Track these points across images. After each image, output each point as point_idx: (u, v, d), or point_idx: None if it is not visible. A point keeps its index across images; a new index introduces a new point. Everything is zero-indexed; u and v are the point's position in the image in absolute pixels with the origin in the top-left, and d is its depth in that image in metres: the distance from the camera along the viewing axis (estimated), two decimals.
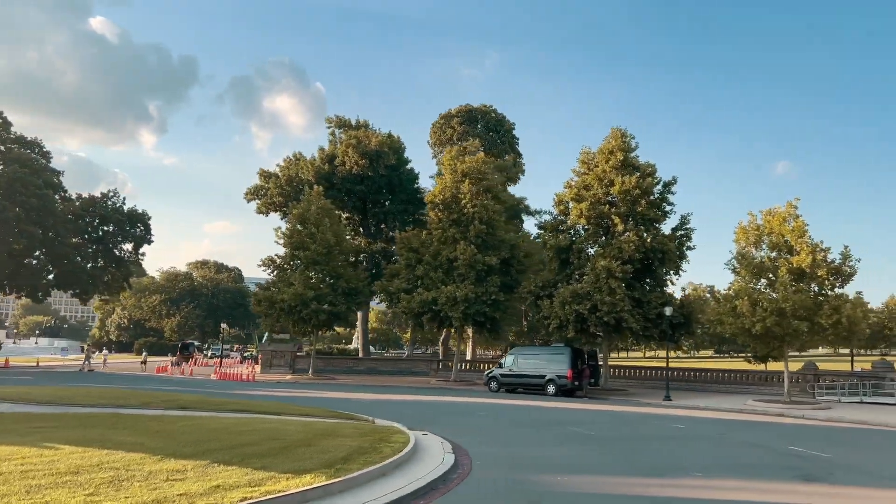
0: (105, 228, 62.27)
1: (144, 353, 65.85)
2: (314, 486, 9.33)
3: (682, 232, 42.47)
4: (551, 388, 38.90)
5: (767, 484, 11.72)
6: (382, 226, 64.54)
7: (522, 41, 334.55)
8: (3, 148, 53.17)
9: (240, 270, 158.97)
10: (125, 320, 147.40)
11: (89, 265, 60.76)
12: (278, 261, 50.11)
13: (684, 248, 42.14)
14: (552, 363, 39.46)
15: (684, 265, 42.74)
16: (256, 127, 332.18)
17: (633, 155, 42.56)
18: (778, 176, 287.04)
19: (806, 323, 32.62)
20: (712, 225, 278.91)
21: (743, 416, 28.75)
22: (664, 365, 53.36)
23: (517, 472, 12.73)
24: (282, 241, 49.52)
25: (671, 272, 42.25)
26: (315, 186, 52.87)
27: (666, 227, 42.94)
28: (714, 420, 25.34)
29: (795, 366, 42.27)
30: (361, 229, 63.93)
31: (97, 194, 62.48)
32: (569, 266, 41.93)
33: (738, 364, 67.10)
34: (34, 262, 51.14)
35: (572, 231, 43.00)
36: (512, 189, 72.75)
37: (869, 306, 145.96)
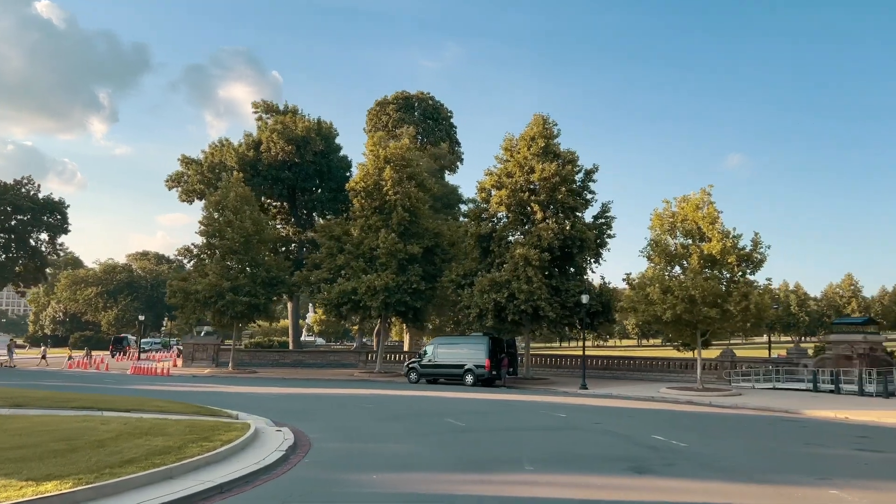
0: (19, 217, 59.31)
1: (43, 348, 62.20)
2: (47, 495, 8.19)
3: (603, 220, 42.12)
4: (469, 379, 38.20)
5: (593, 478, 11.04)
6: (313, 214, 63.05)
7: (482, 34, 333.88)
8: None
9: (183, 262, 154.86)
10: (60, 314, 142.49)
11: (1, 256, 57.83)
12: (195, 250, 48.27)
13: (604, 237, 41.81)
14: (470, 353, 38.75)
15: (606, 254, 42.46)
16: (211, 116, 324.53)
17: (555, 142, 41.96)
18: (730, 169, 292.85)
19: (716, 310, 32.52)
20: None
21: (646, 403, 28.40)
22: (598, 354, 53.45)
23: (337, 472, 11.84)
24: (198, 230, 47.69)
25: (591, 260, 41.89)
26: (235, 173, 51.03)
27: (588, 216, 42.64)
28: (609, 409, 24.84)
29: (714, 353, 42.45)
30: (292, 218, 62.32)
31: (10, 181, 59.36)
32: (490, 254, 41.19)
33: (668, 352, 67.70)
34: None
35: (495, 219, 42.24)
36: (450, 178, 72.06)
37: (809, 294, 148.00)
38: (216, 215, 47.87)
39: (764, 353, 59.43)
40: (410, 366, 41.10)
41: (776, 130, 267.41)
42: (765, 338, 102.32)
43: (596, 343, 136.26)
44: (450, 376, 39.32)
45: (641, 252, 36.14)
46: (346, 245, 44.73)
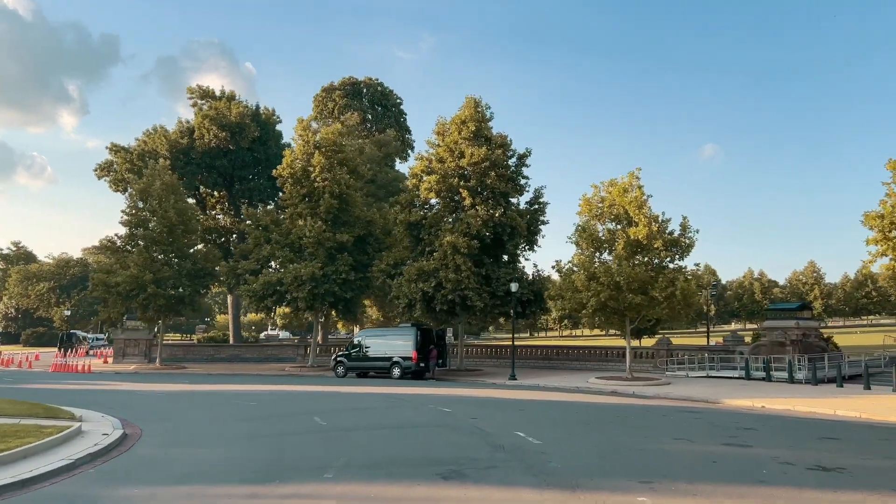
0: None
1: None
2: None
3: (536, 206, 40.88)
4: (396, 372, 36.85)
5: (391, 487, 9.68)
6: (254, 203, 60.94)
7: (459, 27, 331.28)
8: None
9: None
10: (12, 310, 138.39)
11: None
12: (119, 241, 46.10)
13: (538, 224, 40.55)
14: (398, 345, 37.39)
15: (544, 241, 41.37)
16: (183, 108, 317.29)
17: (487, 126, 40.55)
18: (705, 159, 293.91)
19: (641, 296, 31.50)
20: None
21: (564, 395, 27.21)
22: (537, 343, 52.41)
23: (112, 484, 10.36)
24: (121, 220, 45.54)
25: (526, 248, 40.69)
26: (161, 160, 48.87)
27: (522, 202, 41.39)
28: (511, 401, 23.53)
29: (651, 341, 41.60)
30: (231, 207, 60.25)
31: None
32: (421, 243, 39.72)
33: (616, 341, 66.82)
34: None
35: (427, 206, 40.74)
36: (401, 166, 70.27)
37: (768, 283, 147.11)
38: (140, 204, 45.84)
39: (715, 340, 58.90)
40: (338, 359, 39.58)
41: (747, 121, 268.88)
42: (727, 326, 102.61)
43: (563, 333, 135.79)
44: (378, 369, 37.94)
45: (569, 238, 34.97)
46: (273, 234, 42.97)
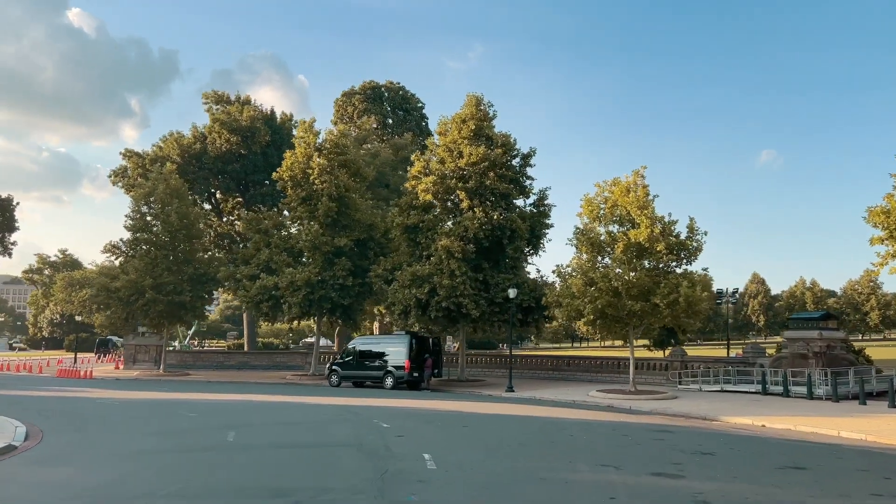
0: None
1: None
2: None
3: (540, 209, 38.79)
4: (389, 381, 35.21)
5: None
6: (267, 207, 60.29)
7: (507, 34, 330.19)
8: None
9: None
10: (57, 316, 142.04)
11: None
12: (123, 247, 45.79)
13: (542, 227, 38.42)
14: (391, 353, 35.74)
15: (550, 245, 39.20)
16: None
17: (489, 125, 38.71)
18: (763, 164, 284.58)
19: (642, 303, 29.16)
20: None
21: (552, 410, 25.08)
22: (547, 354, 50.14)
23: None
24: (125, 224, 45.25)
25: (531, 252, 38.65)
26: (167, 165, 48.53)
27: (527, 204, 39.44)
28: (480, 416, 21.62)
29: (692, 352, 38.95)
30: (246, 212, 59.66)
31: None
32: (418, 247, 38.04)
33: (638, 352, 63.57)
34: None
35: (425, 209, 38.99)
36: None
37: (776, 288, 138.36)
38: (144, 209, 45.53)
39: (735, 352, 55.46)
40: (332, 367, 38.14)
41: (804, 127, 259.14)
42: (776, 338, 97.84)
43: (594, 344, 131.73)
44: (372, 379, 36.37)
45: (569, 241, 32.80)
46: (272, 238, 41.96)
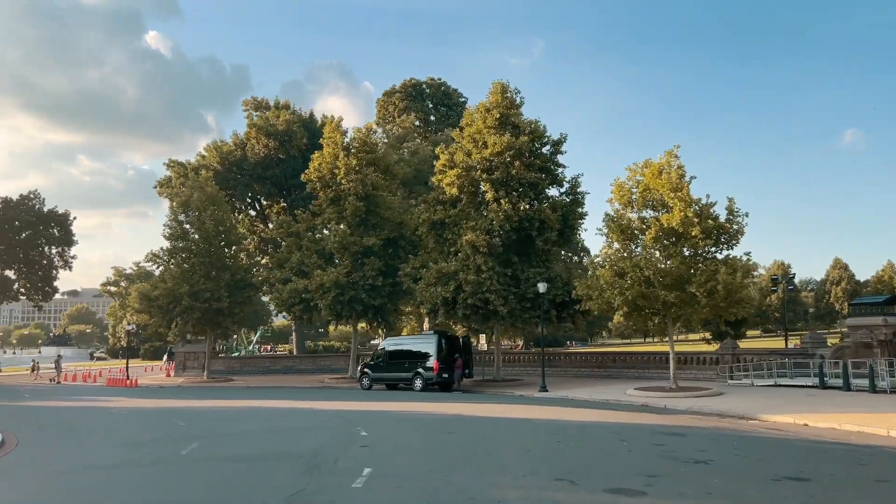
0: (27, 232, 59.62)
1: (34, 361, 60.42)
2: None
3: (572, 198, 36.75)
4: (418, 383, 33.94)
5: None
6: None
7: (569, 27, 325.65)
8: None
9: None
10: (133, 325, 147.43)
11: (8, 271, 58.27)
12: (163, 255, 46.28)
13: (576, 216, 36.35)
14: (420, 354, 34.48)
15: (588, 236, 36.94)
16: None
17: (517, 112, 36.97)
18: (846, 145, 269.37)
19: (675, 293, 26.90)
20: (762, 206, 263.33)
21: (574, 411, 23.22)
22: (593, 351, 47.76)
23: None
24: (163, 233, 45.76)
25: (563, 243, 36.70)
26: (203, 172, 48.86)
27: (559, 193, 37.50)
28: (475, 420, 20.05)
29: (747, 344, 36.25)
30: (287, 216, 59.74)
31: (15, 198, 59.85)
32: (446, 243, 36.68)
33: (696, 346, 59.92)
34: None
35: (451, 204, 37.54)
36: None
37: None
38: (181, 217, 45.91)
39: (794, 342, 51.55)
40: (363, 370, 37.18)
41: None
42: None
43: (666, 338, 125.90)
44: (401, 380, 35.21)
45: (598, 231, 30.75)
46: (303, 241, 41.46)
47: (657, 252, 28.80)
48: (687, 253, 28.69)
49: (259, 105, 60.17)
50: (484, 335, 39.78)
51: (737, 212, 28.27)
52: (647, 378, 36.10)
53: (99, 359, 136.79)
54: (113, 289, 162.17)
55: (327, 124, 43.70)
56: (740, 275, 26.68)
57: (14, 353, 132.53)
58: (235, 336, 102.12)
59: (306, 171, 42.24)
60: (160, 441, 16.04)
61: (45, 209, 60.55)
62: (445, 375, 33.71)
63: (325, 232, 41.35)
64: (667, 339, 31.93)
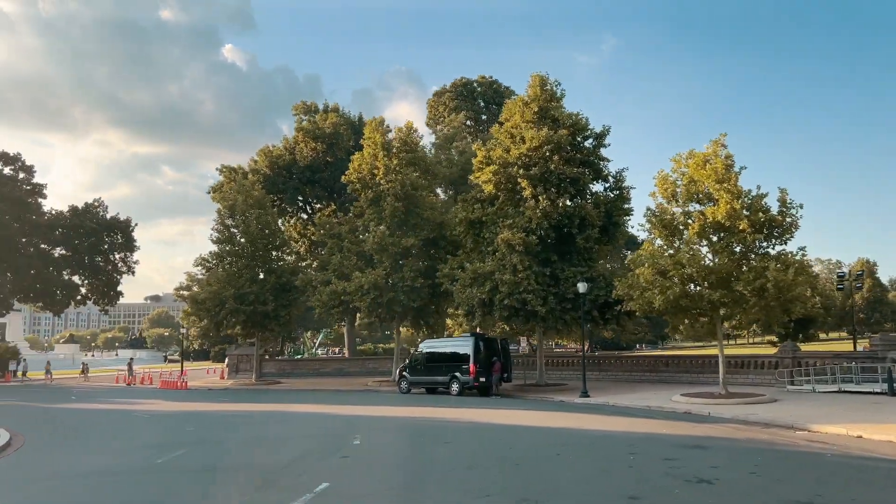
0: (91, 239, 61.65)
1: (83, 363, 60.89)
2: None
3: (616, 193, 34.95)
4: (455, 388, 32.88)
5: None
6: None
7: (642, 22, 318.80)
8: None
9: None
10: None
11: (67, 276, 60.38)
12: (212, 259, 46.87)
13: (620, 212, 34.53)
14: (457, 357, 33.40)
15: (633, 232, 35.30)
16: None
17: (557, 105, 35.49)
18: None
19: (720, 291, 24.93)
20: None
21: (609, 419, 21.72)
22: (647, 354, 45.45)
23: None
24: (211, 237, 46.36)
25: (607, 241, 34.92)
26: (250, 176, 49.28)
27: (603, 188, 35.82)
28: (486, 428, 18.78)
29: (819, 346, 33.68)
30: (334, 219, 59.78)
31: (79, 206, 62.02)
32: (483, 242, 35.50)
33: (757, 349, 56.40)
34: None
35: (492, 201, 36.32)
36: None
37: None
38: (228, 221, 46.39)
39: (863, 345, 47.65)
40: (402, 373, 36.39)
41: None
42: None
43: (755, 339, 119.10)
44: (438, 384, 34.21)
45: (640, 227, 29.01)
46: (343, 242, 41.09)
47: (704, 248, 26.83)
48: (737, 249, 26.63)
49: (308, 109, 60.46)
50: (539, 337, 38.23)
51: (790, 203, 25.99)
52: (700, 383, 33.94)
53: (172, 361, 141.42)
54: (185, 293, 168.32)
55: (368, 124, 43.23)
56: (793, 271, 24.43)
57: (93, 355, 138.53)
58: (300, 339, 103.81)
59: (346, 172, 41.85)
60: (150, 447, 15.59)
61: (108, 216, 62.59)
62: (483, 379, 32.52)
63: (367, 234, 40.80)
64: (732, 340, 29.83)
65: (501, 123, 37.01)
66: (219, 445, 16.02)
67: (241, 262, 44.73)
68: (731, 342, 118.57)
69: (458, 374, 32.78)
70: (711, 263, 26.16)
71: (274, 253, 47.07)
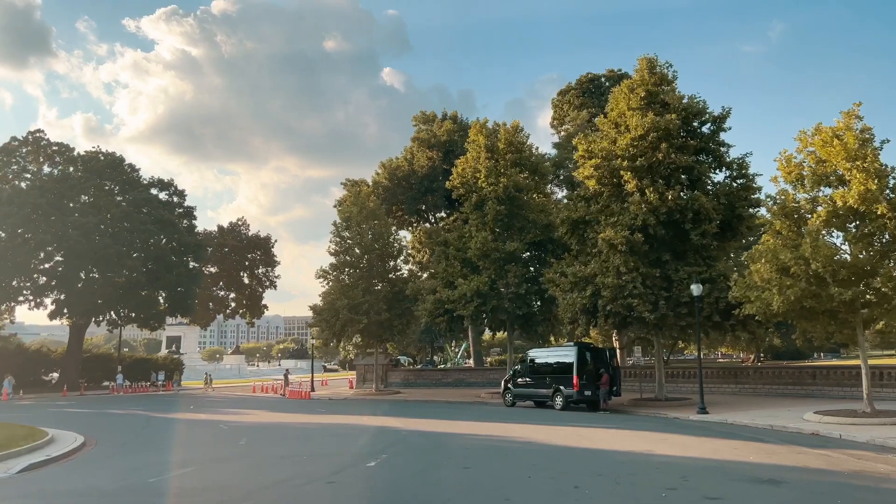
0: (234, 257, 65.72)
1: (206, 374, 61.66)
2: None
3: (739, 183, 30.78)
4: (559, 401, 30.50)
5: None
6: None
7: (813, 3, 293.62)
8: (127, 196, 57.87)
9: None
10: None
11: (216, 291, 64.62)
12: (331, 271, 47.67)
13: (744, 204, 30.30)
14: (561, 368, 31.00)
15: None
16: (536, 144, 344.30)
17: (669, 89, 32.11)
18: None
19: (853, 289, 20.78)
20: None
21: (717, 443, 18.61)
22: (790, 365, 39.86)
23: None
24: (329, 250, 47.24)
25: (728, 237, 30.92)
26: (364, 188, 49.74)
27: (723, 178, 31.85)
28: (569, 452, 16.37)
29: None
30: (441, 227, 58.99)
31: (225, 225, 66.43)
32: (587, 243, 32.75)
33: None
34: (143, 292, 55.41)
35: (597, 199, 33.45)
36: None
37: None
38: (345, 233, 47.04)
39: None
40: (507, 384, 34.45)
41: None
42: None
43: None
44: (541, 398, 31.97)
45: (759, 219, 25.09)
46: (449, 250, 39.99)
47: (835, 239, 22.65)
48: (884, 238, 22.15)
49: (427, 119, 60.37)
50: (658, 346, 34.74)
51: None
52: (850, 398, 29.00)
53: (330, 370, 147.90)
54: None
55: (472, 127, 41.94)
56: None
57: (257, 366, 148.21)
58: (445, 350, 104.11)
59: (450, 177, 40.80)
60: (176, 464, 15.12)
61: (250, 234, 66.48)
62: (588, 393, 29.86)
63: (465, 238, 39.45)
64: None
65: (606, 114, 34.07)
66: (232, 462, 15.20)
67: (356, 273, 45.10)
68: None
69: (562, 386, 30.35)
70: (845, 257, 21.94)
71: (391, 263, 47.04)
